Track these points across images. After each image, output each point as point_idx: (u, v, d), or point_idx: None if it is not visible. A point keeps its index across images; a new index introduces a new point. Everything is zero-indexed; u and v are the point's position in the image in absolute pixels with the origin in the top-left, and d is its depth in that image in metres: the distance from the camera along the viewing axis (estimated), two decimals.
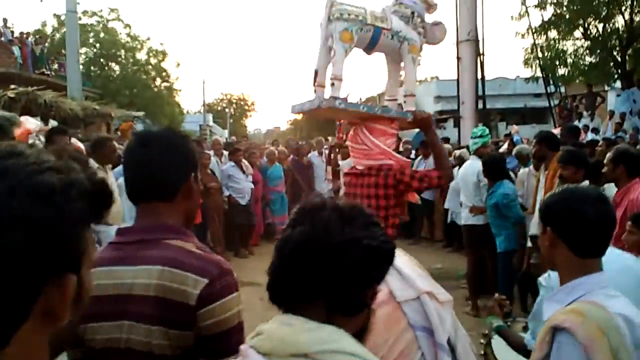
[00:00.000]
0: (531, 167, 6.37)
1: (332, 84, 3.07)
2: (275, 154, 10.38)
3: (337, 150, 10.24)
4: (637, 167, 4.05)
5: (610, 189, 4.15)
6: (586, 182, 4.20)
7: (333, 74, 3.06)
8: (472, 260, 6.26)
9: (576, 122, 14.52)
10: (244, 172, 9.10)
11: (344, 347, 1.07)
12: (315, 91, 3.15)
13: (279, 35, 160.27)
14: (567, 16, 16.31)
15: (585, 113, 15.30)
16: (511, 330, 2.57)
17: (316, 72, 3.14)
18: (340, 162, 10.07)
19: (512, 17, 16.68)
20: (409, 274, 1.79)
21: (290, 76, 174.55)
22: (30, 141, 5.44)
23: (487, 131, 6.76)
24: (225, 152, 10.51)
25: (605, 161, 4.19)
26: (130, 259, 1.49)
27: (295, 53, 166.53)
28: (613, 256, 2.34)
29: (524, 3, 16.22)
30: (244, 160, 9.33)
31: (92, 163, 5.18)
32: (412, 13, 3.26)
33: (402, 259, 1.89)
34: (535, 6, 16.66)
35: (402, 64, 3.38)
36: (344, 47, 3.02)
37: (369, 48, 3.23)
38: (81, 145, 6.05)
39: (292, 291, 1.16)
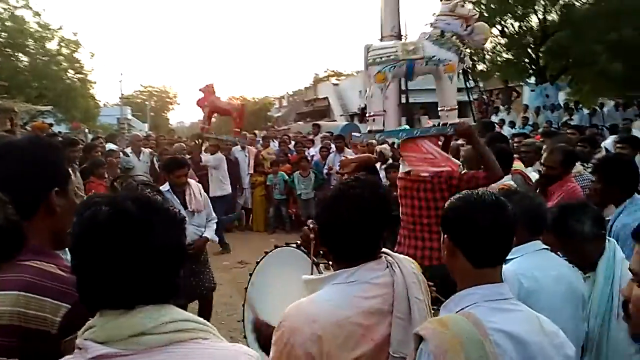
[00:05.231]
0: None
1: (373, 120, 3.78)
2: (184, 147, 9.81)
3: (201, 141, 9.66)
4: (572, 160, 4.17)
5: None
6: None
7: (373, 111, 3.75)
8: None
9: (493, 116, 15.09)
10: (186, 206, 4.86)
11: (175, 317, 1.15)
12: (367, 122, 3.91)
13: (199, 24, 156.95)
14: (486, 14, 16.88)
15: (501, 107, 15.91)
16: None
17: (364, 108, 3.64)
18: (203, 156, 9.38)
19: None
20: (417, 320, 1.66)
21: (213, 66, 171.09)
22: None
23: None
24: (146, 150, 9.86)
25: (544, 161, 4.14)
26: None
27: (218, 42, 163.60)
28: (551, 263, 2.35)
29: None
30: (191, 183, 5.11)
31: None
32: (442, 33, 3.70)
33: (416, 288, 1.75)
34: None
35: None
36: (379, 87, 3.69)
37: (409, 76, 3.84)
38: None
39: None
